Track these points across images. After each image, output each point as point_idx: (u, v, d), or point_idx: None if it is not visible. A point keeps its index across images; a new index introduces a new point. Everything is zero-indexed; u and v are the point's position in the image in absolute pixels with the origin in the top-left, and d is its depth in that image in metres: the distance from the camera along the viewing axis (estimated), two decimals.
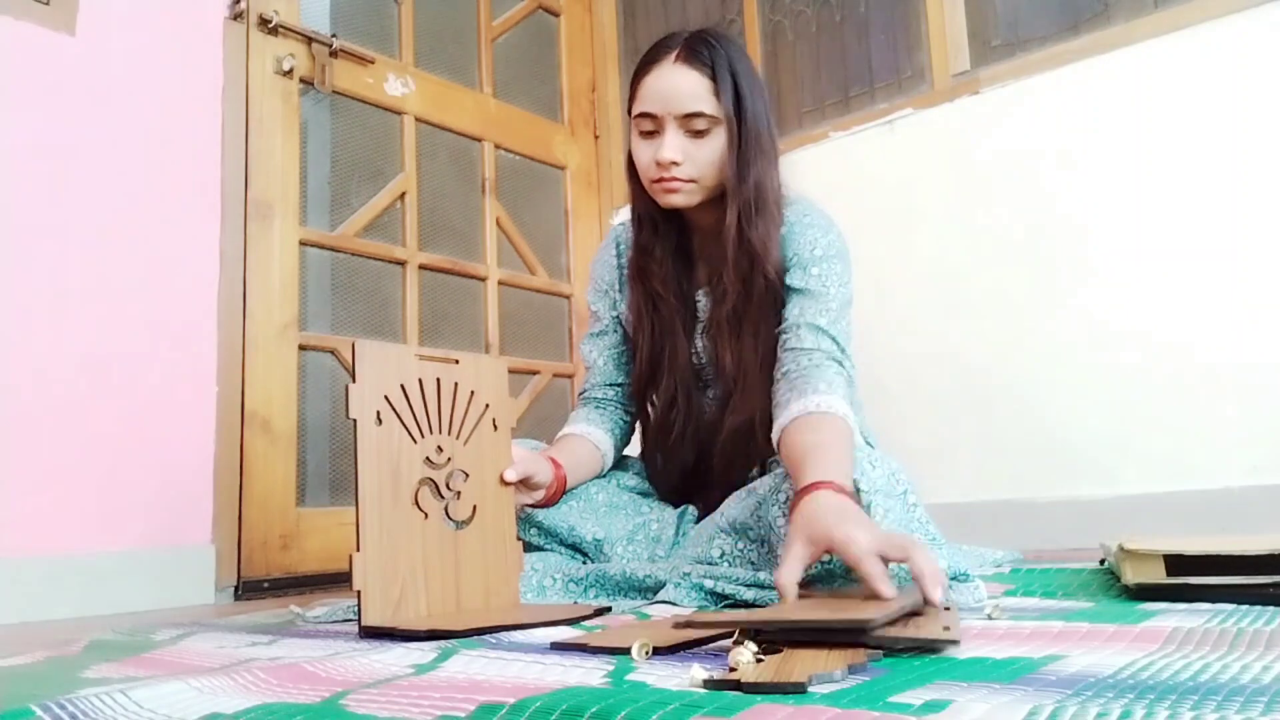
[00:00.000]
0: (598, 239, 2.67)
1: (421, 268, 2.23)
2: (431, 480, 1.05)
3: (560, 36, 2.72)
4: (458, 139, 2.37)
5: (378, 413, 1.01)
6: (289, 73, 1.98)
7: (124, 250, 1.70)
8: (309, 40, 2.03)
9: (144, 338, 1.71)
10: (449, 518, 1.06)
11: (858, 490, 0.98)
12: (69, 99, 1.66)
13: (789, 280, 1.26)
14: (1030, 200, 1.94)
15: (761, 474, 1.26)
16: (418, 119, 2.26)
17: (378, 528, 0.98)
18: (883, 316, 2.11)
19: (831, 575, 1.05)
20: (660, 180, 1.26)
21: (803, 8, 2.42)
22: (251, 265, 1.87)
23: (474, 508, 1.08)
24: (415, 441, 1.04)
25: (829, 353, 1.20)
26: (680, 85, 1.23)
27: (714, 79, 1.23)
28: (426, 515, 1.04)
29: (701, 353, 1.36)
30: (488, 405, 1.12)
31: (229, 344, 1.82)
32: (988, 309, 1.97)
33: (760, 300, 1.26)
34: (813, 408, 1.10)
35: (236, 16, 1.91)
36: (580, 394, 1.47)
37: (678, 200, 1.27)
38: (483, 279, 2.38)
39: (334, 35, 2.07)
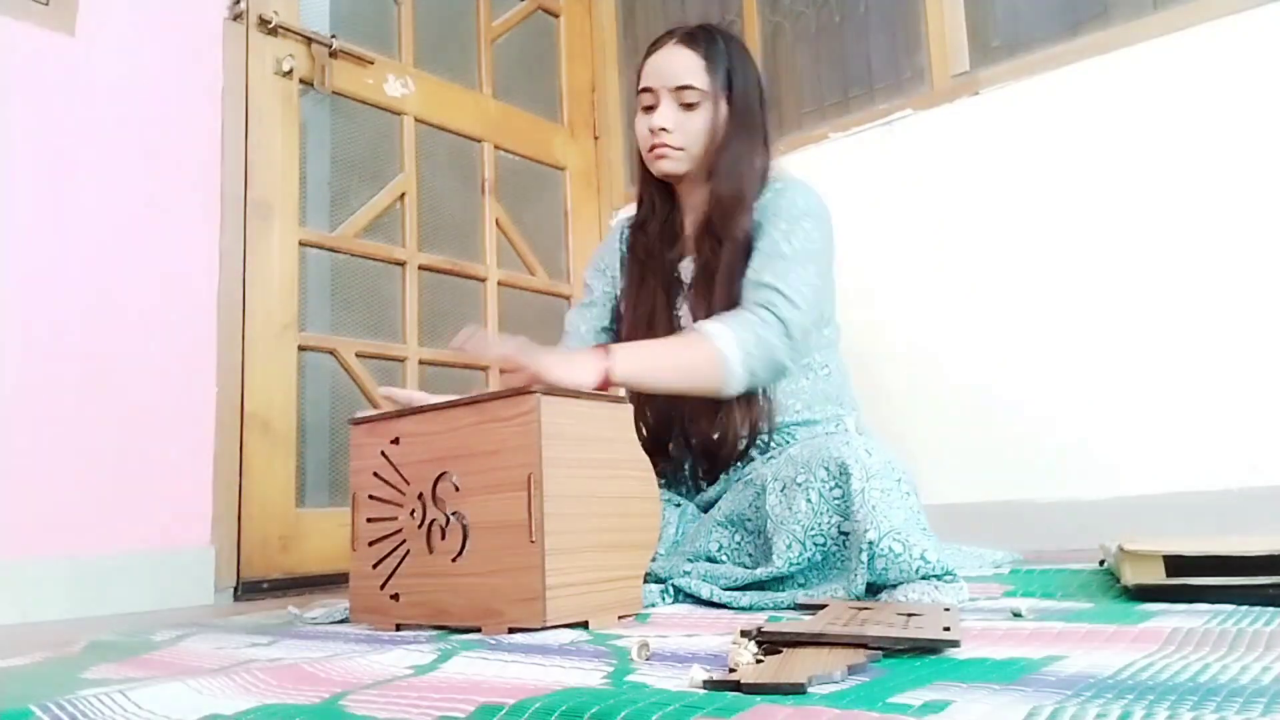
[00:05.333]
0: (597, 240, 2.67)
1: (421, 268, 2.23)
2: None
3: (560, 37, 2.72)
4: (457, 139, 2.37)
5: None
6: (289, 73, 1.98)
7: (123, 250, 1.70)
8: (309, 41, 2.03)
9: (143, 338, 1.70)
10: None
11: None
12: (69, 99, 1.66)
13: (757, 238, 1.32)
14: (1030, 200, 1.94)
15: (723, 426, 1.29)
16: (417, 119, 2.26)
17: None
18: (883, 317, 2.11)
19: (813, 566, 1.06)
20: (653, 148, 1.36)
21: (802, 9, 2.42)
22: (251, 266, 1.87)
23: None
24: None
25: (765, 301, 1.25)
26: (675, 61, 1.36)
27: (707, 59, 1.35)
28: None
29: (682, 317, 1.40)
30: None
31: (228, 344, 1.82)
32: (988, 309, 1.97)
33: (730, 258, 1.31)
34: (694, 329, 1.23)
35: (236, 17, 1.91)
36: None
37: (668, 166, 1.37)
38: (482, 280, 2.38)
39: (334, 36, 2.07)
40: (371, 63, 2.15)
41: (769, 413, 1.30)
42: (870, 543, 0.98)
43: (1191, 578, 0.90)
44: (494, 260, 2.41)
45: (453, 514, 1.04)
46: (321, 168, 2.10)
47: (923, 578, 0.97)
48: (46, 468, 1.56)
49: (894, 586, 0.99)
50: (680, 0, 2.68)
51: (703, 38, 1.37)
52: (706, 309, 1.30)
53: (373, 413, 1.16)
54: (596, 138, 2.74)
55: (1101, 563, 1.20)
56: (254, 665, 0.77)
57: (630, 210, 1.53)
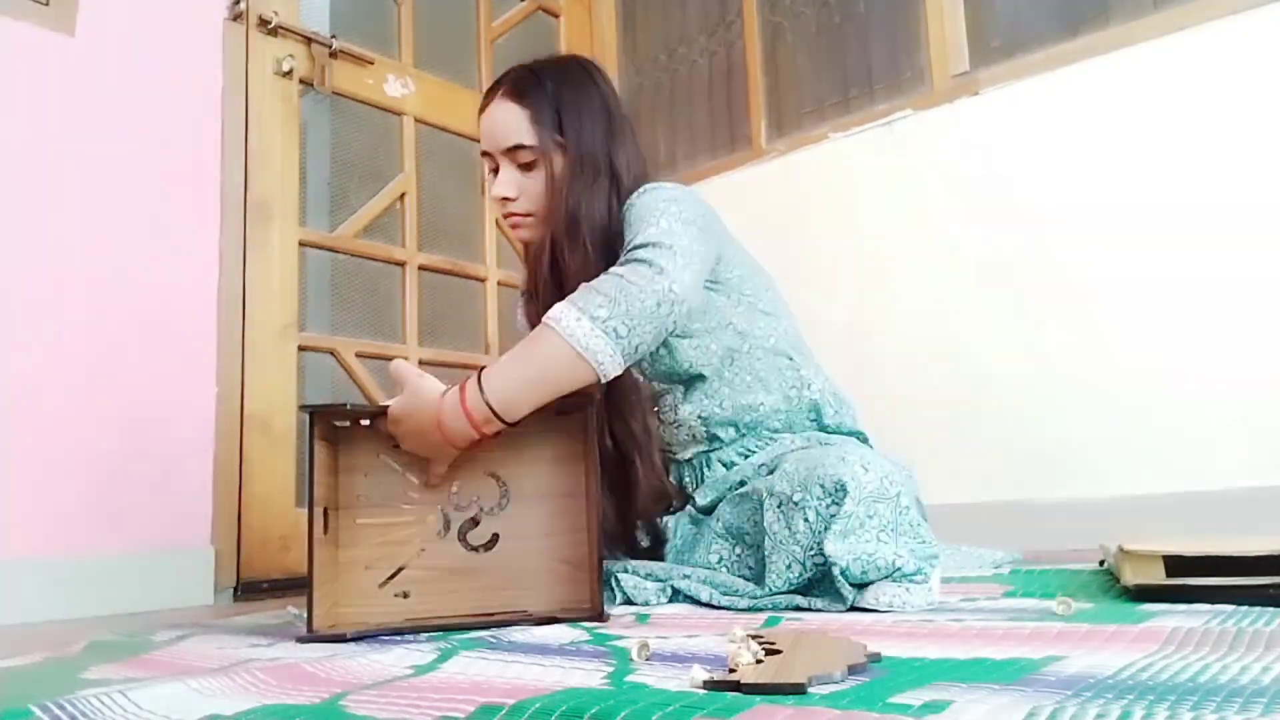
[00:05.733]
0: None
1: (421, 268, 2.23)
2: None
3: (560, 37, 2.72)
4: (457, 139, 2.37)
5: None
6: (289, 73, 1.98)
7: (123, 251, 1.70)
8: (309, 41, 2.03)
9: (143, 339, 1.70)
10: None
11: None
12: (69, 99, 1.66)
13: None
14: (1030, 201, 1.94)
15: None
16: (417, 119, 2.26)
17: None
18: (882, 317, 2.12)
19: (813, 583, 1.06)
20: (505, 218, 1.29)
21: (802, 9, 2.42)
22: (251, 266, 1.87)
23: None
24: None
25: (624, 259, 1.11)
26: (499, 120, 1.25)
27: (532, 109, 1.24)
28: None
29: None
30: None
31: (228, 345, 1.82)
32: (987, 309, 1.97)
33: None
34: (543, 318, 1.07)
35: (236, 17, 1.91)
36: None
37: (524, 235, 1.29)
38: (482, 280, 2.38)
39: (333, 36, 2.07)
40: (371, 63, 2.15)
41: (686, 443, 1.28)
42: (843, 569, 0.98)
43: (1191, 578, 0.89)
44: (494, 260, 2.41)
45: (480, 514, 1.09)
46: (321, 168, 2.11)
47: (893, 579, 0.97)
48: (47, 468, 1.56)
49: (866, 585, 0.99)
50: (680, 0, 2.68)
51: (527, 85, 1.25)
52: None
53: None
54: None
55: (1101, 563, 1.20)
56: (254, 665, 0.77)
57: None
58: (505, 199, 1.25)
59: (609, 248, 1.19)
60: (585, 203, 1.22)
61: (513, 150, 1.25)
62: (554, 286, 1.21)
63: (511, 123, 1.24)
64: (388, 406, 1.06)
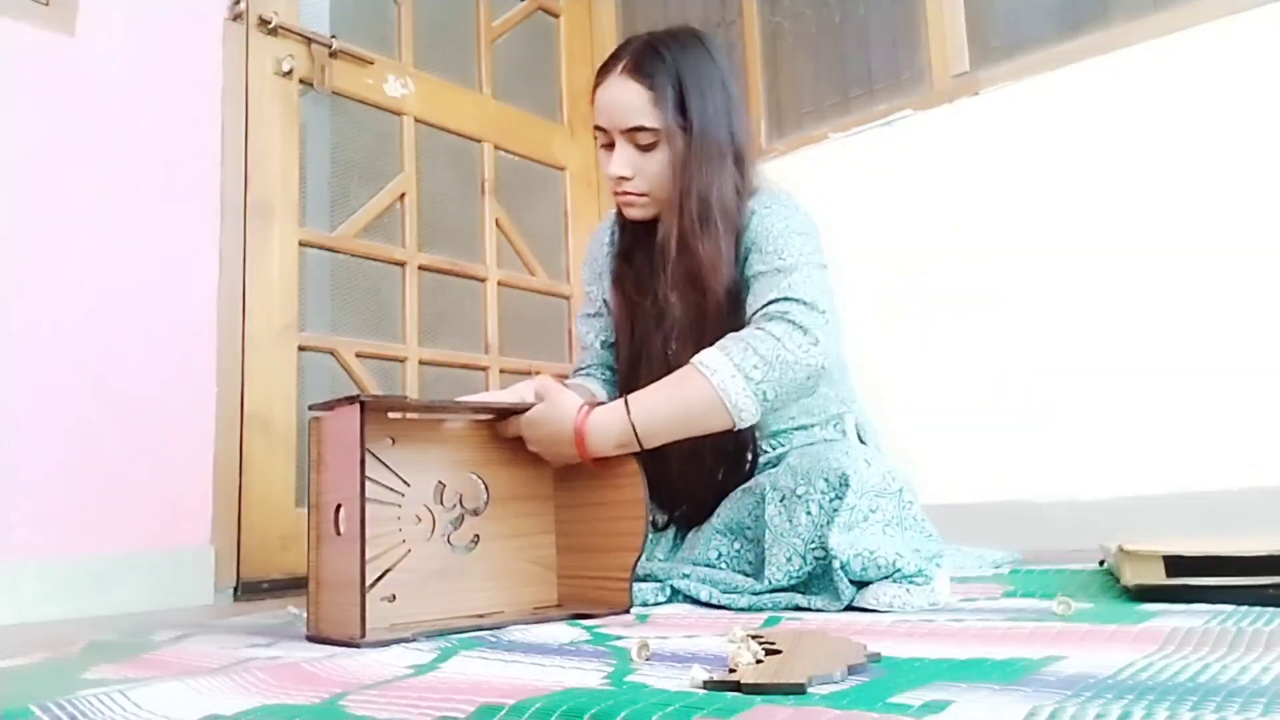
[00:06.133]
0: None
1: (421, 269, 2.23)
2: None
3: (560, 37, 2.72)
4: (457, 140, 2.37)
5: None
6: (289, 73, 1.98)
7: (123, 251, 1.70)
8: (308, 41, 2.03)
9: (143, 339, 1.70)
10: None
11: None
12: (68, 99, 1.66)
13: (749, 269, 1.22)
14: (1030, 200, 1.94)
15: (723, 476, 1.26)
16: (417, 120, 2.26)
17: None
18: (882, 317, 2.11)
19: (813, 578, 1.06)
20: (617, 194, 1.28)
21: (802, 9, 2.42)
22: (251, 266, 1.87)
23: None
24: None
25: (776, 313, 1.14)
26: (621, 99, 1.23)
27: (654, 89, 1.22)
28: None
29: (674, 356, 1.30)
30: None
31: (228, 344, 1.82)
32: (987, 309, 1.97)
33: (716, 311, 1.21)
34: (693, 361, 1.12)
35: (236, 17, 1.91)
36: (576, 369, 1.47)
37: (635, 214, 1.29)
38: (482, 280, 2.38)
39: (333, 36, 2.07)
40: (371, 63, 2.15)
41: (754, 443, 1.27)
42: (844, 563, 0.98)
43: (1191, 578, 0.90)
44: (494, 260, 2.41)
45: (464, 515, 1.10)
46: (321, 168, 2.10)
47: (893, 579, 0.97)
48: (46, 468, 1.56)
49: (866, 584, 0.99)
50: (680, 1, 2.68)
51: (649, 63, 1.23)
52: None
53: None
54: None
55: (1101, 563, 1.20)
56: (254, 665, 0.77)
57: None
58: (621, 178, 1.25)
59: (734, 232, 1.23)
60: (717, 186, 1.22)
61: (633, 131, 1.23)
62: (686, 277, 1.23)
63: (634, 103, 1.22)
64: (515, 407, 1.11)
